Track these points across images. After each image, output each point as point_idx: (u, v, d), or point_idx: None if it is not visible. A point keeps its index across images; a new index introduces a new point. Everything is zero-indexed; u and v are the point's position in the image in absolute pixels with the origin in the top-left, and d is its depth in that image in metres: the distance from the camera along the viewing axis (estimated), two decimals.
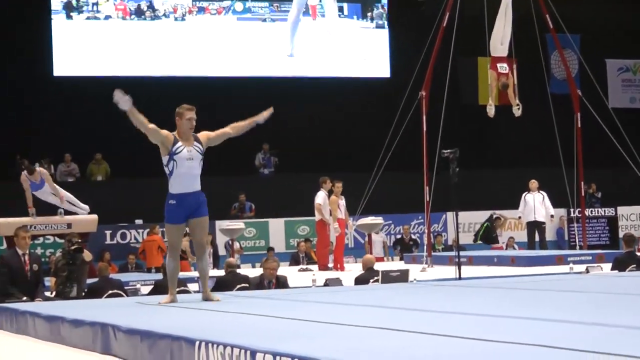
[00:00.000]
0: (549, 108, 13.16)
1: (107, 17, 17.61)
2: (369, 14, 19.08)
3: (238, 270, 9.51)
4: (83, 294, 8.45)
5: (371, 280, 8.76)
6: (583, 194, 13.79)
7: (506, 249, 15.62)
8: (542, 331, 4.03)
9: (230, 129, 6.50)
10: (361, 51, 18.95)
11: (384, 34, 19.20)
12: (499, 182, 17.57)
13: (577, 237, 14.01)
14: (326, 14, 18.63)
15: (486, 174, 18.12)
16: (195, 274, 12.41)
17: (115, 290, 8.26)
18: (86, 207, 11.31)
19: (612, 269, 9.79)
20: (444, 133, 11.97)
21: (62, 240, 10.26)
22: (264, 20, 18.57)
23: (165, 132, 6.20)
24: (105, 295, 8.07)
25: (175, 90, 14.62)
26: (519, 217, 14.98)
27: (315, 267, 12.82)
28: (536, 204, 14.36)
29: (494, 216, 16.03)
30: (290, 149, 17.90)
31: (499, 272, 10.63)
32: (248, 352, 3.72)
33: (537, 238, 14.55)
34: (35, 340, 5.90)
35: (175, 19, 18.02)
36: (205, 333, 4.30)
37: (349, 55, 18.80)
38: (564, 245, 16.77)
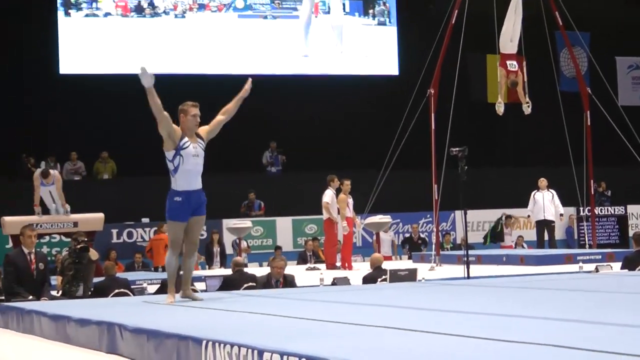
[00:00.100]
0: (558, 106, 13.09)
1: (106, 14, 17.55)
2: (370, 11, 18.99)
3: (245, 269, 9.48)
4: (89, 293, 8.43)
5: (379, 279, 8.73)
6: (593, 193, 13.73)
7: (515, 247, 15.56)
8: (552, 331, 4.01)
9: (223, 115, 6.45)
10: (369, 49, 18.88)
11: (392, 31, 19.12)
12: (508, 181, 17.51)
13: (586, 236, 13.95)
14: (331, 11, 18.56)
15: (495, 172, 18.06)
16: (202, 272, 12.45)
17: (122, 289, 8.25)
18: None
19: (622, 268, 9.74)
20: (452, 131, 11.92)
21: (69, 239, 10.25)
22: (265, 17, 18.47)
23: (174, 125, 6.17)
24: (111, 295, 8.06)
25: (175, 89, 14.53)
26: (528, 216, 14.93)
27: (322, 266, 12.78)
28: (545, 203, 14.31)
29: (505, 215, 15.96)
30: (297, 147, 17.87)
31: (507, 271, 10.59)
32: (255, 352, 3.70)
33: (546, 237, 14.48)
34: (41, 340, 5.89)
35: (176, 16, 17.94)
36: (212, 332, 4.29)
37: (355, 53, 18.72)
38: (573, 244, 16.71)
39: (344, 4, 18.70)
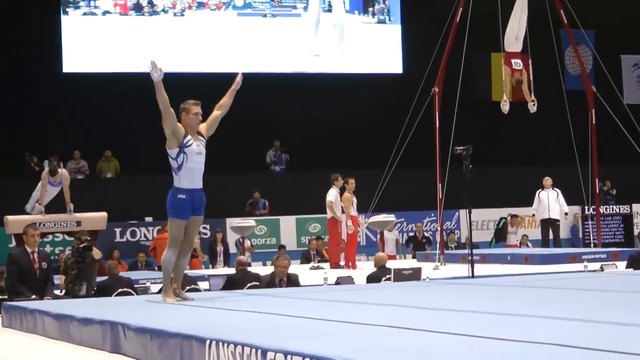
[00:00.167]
0: (563, 104, 13.04)
1: (105, 13, 17.50)
2: (370, 9, 18.93)
3: (249, 269, 9.47)
4: (92, 292, 8.41)
5: (383, 279, 8.71)
6: (597, 191, 13.68)
7: (520, 246, 15.53)
8: (556, 330, 4.00)
9: (219, 110, 6.45)
10: (372, 47, 18.83)
11: (396, 29, 19.07)
12: (513, 179, 17.47)
13: (591, 235, 13.92)
14: (333, 9, 18.50)
15: (500, 171, 18.02)
16: (205, 271, 12.44)
17: (125, 289, 8.22)
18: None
19: (627, 267, 9.73)
20: (457, 129, 11.87)
21: (72, 238, 10.23)
22: (265, 15, 18.41)
23: (178, 123, 6.18)
24: (114, 294, 8.04)
25: (174, 87, 14.43)
26: (533, 215, 14.89)
27: (326, 265, 12.75)
28: (550, 202, 14.26)
29: (511, 214, 15.91)
30: (301, 145, 17.84)
31: (512, 270, 10.56)
32: (259, 351, 3.70)
33: (551, 236, 14.44)
34: (44, 339, 5.88)
35: (175, 14, 17.88)
36: (215, 332, 4.28)
37: (359, 51, 18.66)
38: (578, 243, 16.68)
39: (344, 2, 18.64)
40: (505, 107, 11.73)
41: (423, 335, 3.99)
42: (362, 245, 15.39)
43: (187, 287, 8.03)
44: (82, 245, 8.47)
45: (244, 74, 6.57)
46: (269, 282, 8.28)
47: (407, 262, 13.33)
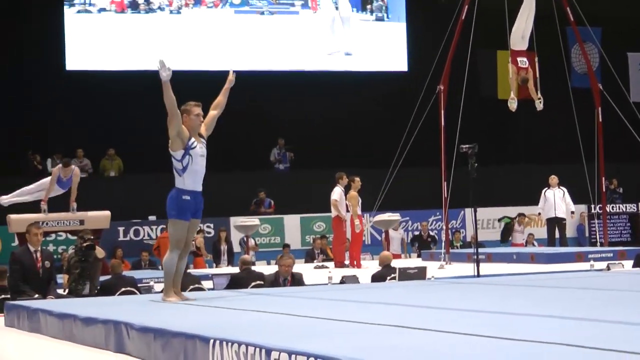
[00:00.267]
0: (569, 102, 12.98)
1: (100, 10, 17.44)
2: (368, 6, 18.86)
3: (253, 268, 9.43)
4: (96, 291, 8.39)
5: (388, 278, 8.68)
6: (604, 190, 13.63)
7: (526, 245, 15.47)
8: (562, 329, 3.99)
9: (215, 110, 6.45)
10: (378, 45, 18.76)
11: (401, 27, 19.00)
12: (519, 178, 17.41)
13: (597, 234, 13.86)
14: (339, 4, 18.42)
15: (505, 170, 17.96)
16: (209, 270, 12.41)
17: (128, 288, 8.21)
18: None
19: (634, 266, 9.69)
20: (462, 128, 11.82)
21: (75, 237, 10.20)
22: (262, 13, 18.33)
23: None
24: (118, 293, 8.04)
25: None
26: (539, 214, 14.83)
27: (331, 264, 12.71)
28: (556, 200, 14.21)
29: (519, 213, 15.84)
30: (306, 144, 17.79)
31: (518, 269, 10.54)
32: (263, 351, 3.68)
33: (557, 235, 14.38)
34: (47, 339, 5.86)
35: (171, 12, 17.81)
36: (219, 331, 4.26)
37: (364, 49, 18.59)
38: (584, 242, 16.62)
39: None
40: (512, 105, 11.67)
41: (428, 334, 3.97)
42: (367, 244, 15.34)
43: (191, 286, 8.02)
44: (85, 244, 8.45)
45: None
46: (273, 282, 8.26)
47: (412, 261, 13.30)
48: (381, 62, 18.89)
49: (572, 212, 14.78)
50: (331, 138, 18.16)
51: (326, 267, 12.13)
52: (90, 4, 17.32)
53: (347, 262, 12.42)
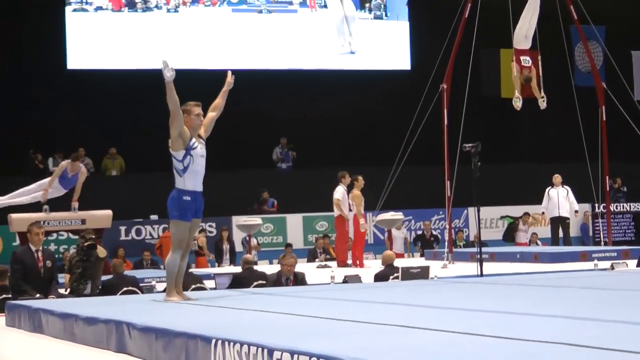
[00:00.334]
0: (573, 101, 12.95)
1: (97, 9, 17.38)
2: (367, 4, 18.82)
3: (255, 267, 9.41)
4: (97, 291, 8.36)
5: (391, 277, 8.65)
6: (608, 189, 13.59)
7: (529, 245, 15.43)
8: (566, 329, 3.97)
9: (213, 111, 6.46)
10: (380, 44, 18.72)
11: (404, 25, 18.95)
12: (522, 177, 17.37)
13: (601, 233, 13.81)
14: (344, 2, 18.36)
15: (509, 169, 17.93)
16: (211, 270, 12.39)
17: (130, 287, 8.18)
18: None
19: (638, 265, 9.69)
20: (465, 126, 11.79)
21: (76, 237, 10.17)
22: (260, 11, 18.28)
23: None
24: (119, 293, 8.02)
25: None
26: (543, 213, 14.79)
27: (333, 263, 12.68)
28: (560, 199, 14.19)
29: (524, 212, 15.79)
30: (308, 143, 17.76)
31: (521, 268, 10.52)
32: (265, 351, 3.67)
33: (561, 234, 14.34)
34: (48, 338, 5.86)
35: (168, 10, 17.76)
36: (221, 331, 4.25)
37: (366, 48, 18.55)
38: (588, 242, 16.59)
39: None
40: (517, 104, 11.64)
41: (431, 334, 3.95)
42: (370, 243, 15.32)
43: (193, 286, 7.99)
44: (86, 244, 8.42)
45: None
46: (276, 281, 8.23)
47: (415, 261, 13.28)
48: (384, 61, 18.85)
49: (576, 211, 14.75)
50: (334, 137, 18.13)
51: (329, 267, 12.10)
52: (86, 3, 17.28)
53: (349, 261, 12.39)
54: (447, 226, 12.98)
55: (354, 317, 4.65)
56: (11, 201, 10.82)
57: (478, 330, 3.90)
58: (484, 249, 10.48)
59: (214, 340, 4.05)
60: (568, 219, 14.41)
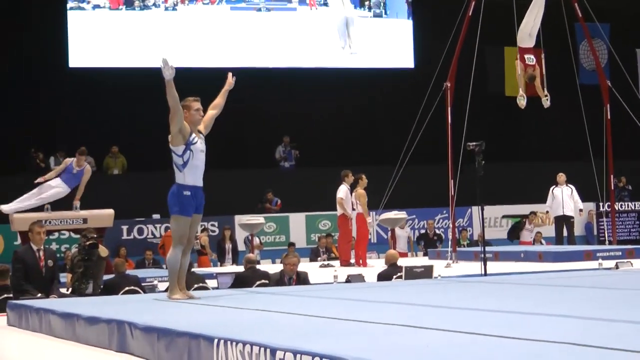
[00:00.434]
0: (577, 99, 12.90)
1: (95, 7, 17.34)
2: (366, 2, 18.76)
3: (258, 266, 9.38)
4: (99, 290, 8.34)
5: (394, 277, 8.61)
6: (613, 188, 13.54)
7: (533, 244, 15.38)
8: (570, 329, 3.95)
9: (214, 110, 6.49)
10: (384, 41, 18.67)
11: (408, 23, 18.90)
12: (526, 176, 17.33)
13: (606, 232, 13.79)
14: (344, 2, 18.32)
15: (513, 167, 17.90)
16: (214, 269, 12.36)
17: (132, 287, 8.16)
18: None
19: None
20: (469, 125, 11.74)
21: (78, 236, 10.14)
22: (259, 9, 18.23)
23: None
24: (121, 292, 7.99)
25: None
26: (547, 212, 14.75)
27: (336, 262, 12.64)
28: (564, 198, 14.15)
29: (531, 211, 15.75)
30: (311, 141, 17.72)
31: (525, 268, 10.50)
32: (268, 350, 3.65)
33: (565, 233, 14.28)
34: (50, 338, 5.84)
35: (166, 8, 17.73)
36: (224, 330, 4.23)
37: (369, 46, 18.49)
38: (592, 241, 16.56)
39: None
40: (521, 102, 11.59)
41: (434, 334, 3.93)
42: (373, 242, 15.29)
43: (195, 285, 7.96)
44: (88, 243, 8.39)
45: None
46: (278, 280, 8.21)
47: (419, 260, 13.25)
48: (388, 59, 18.80)
49: (581, 210, 14.71)
50: (337, 136, 18.09)
51: (332, 266, 12.07)
52: (82, 1, 17.24)
53: (352, 260, 12.35)
54: (451, 225, 12.95)
55: (357, 317, 4.62)
56: (20, 206, 10.74)
57: (482, 330, 3.87)
58: (487, 248, 10.42)
59: (216, 340, 4.03)
60: (572, 217, 14.37)
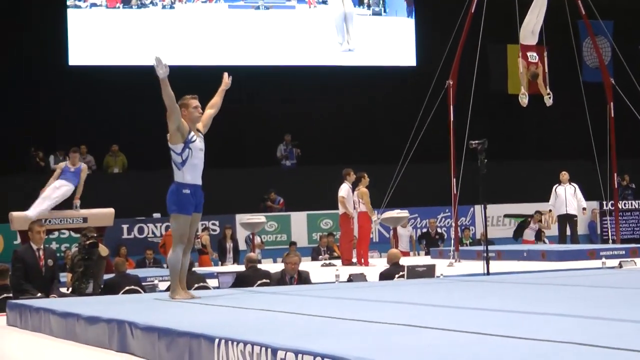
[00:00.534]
0: (580, 97, 12.85)
1: (91, 6, 17.30)
2: (365, 0, 18.70)
3: (259, 266, 9.35)
4: (99, 290, 8.31)
5: (396, 276, 8.60)
6: (616, 186, 13.51)
7: (536, 242, 15.33)
8: (573, 328, 3.93)
9: (211, 109, 6.49)
10: (386, 39, 18.63)
11: (410, 21, 18.86)
12: (529, 174, 17.29)
13: (609, 231, 13.73)
14: (344, 3, 18.27)
15: (516, 166, 17.87)
16: (214, 269, 12.32)
17: (133, 286, 8.13)
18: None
19: None
20: (471, 123, 11.71)
21: (78, 235, 10.10)
22: (257, 7, 18.19)
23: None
24: (122, 292, 7.97)
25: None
26: (550, 210, 14.70)
27: (338, 262, 12.60)
28: (568, 197, 14.11)
29: (536, 211, 15.70)
30: (312, 140, 17.68)
31: (528, 267, 10.44)
32: (269, 350, 3.63)
33: (568, 232, 14.24)
34: (49, 338, 5.82)
35: (164, 6, 17.68)
36: (225, 330, 4.22)
37: (371, 44, 18.45)
38: (596, 239, 16.52)
39: None
40: (523, 101, 11.56)
41: (437, 333, 3.90)
42: (375, 241, 15.25)
43: (196, 285, 7.93)
44: (88, 242, 8.35)
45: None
46: (280, 280, 8.19)
47: (421, 259, 13.24)
48: (390, 57, 18.75)
49: (584, 209, 14.68)
50: (338, 134, 18.05)
51: (333, 265, 12.02)
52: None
53: (354, 259, 12.31)
54: (454, 224, 12.92)
55: (358, 317, 4.60)
56: (41, 208, 10.62)
57: (485, 329, 3.86)
58: (490, 247, 10.40)
59: (217, 340, 4.01)
60: (576, 216, 14.33)
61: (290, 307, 5.32)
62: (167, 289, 7.89)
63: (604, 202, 14.46)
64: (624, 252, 11.41)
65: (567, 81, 13.85)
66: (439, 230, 16.31)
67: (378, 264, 11.57)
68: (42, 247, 8.18)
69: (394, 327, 4.18)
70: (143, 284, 8.62)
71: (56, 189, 10.65)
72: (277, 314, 5.04)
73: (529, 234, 15.83)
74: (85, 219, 10.80)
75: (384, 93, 18.32)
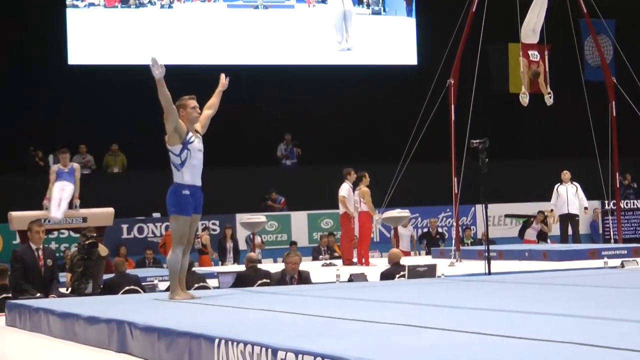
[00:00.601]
0: (582, 96, 12.83)
1: (89, 5, 17.25)
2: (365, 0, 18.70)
3: (259, 266, 9.33)
4: (99, 290, 8.29)
5: (397, 276, 8.58)
6: (618, 185, 13.47)
7: (537, 241, 15.31)
8: (576, 328, 3.92)
9: (209, 109, 6.47)
10: (387, 38, 18.60)
11: (411, 20, 18.83)
12: (531, 173, 17.27)
13: (611, 230, 13.72)
14: (344, 1, 18.24)
15: (517, 165, 17.85)
16: (215, 269, 12.31)
17: (132, 286, 8.11)
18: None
19: None
20: (473, 122, 11.69)
21: (78, 235, 10.08)
22: (257, 7, 18.15)
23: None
24: (121, 292, 7.96)
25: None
26: (551, 210, 14.68)
27: (339, 261, 12.58)
28: (569, 196, 14.09)
29: (539, 210, 15.68)
30: (313, 139, 17.65)
31: (530, 267, 10.44)
32: (269, 350, 3.62)
33: (570, 231, 14.21)
34: (49, 338, 5.81)
35: (162, 6, 17.64)
36: (225, 330, 4.21)
37: (372, 43, 18.42)
38: (598, 239, 16.51)
39: None
40: (524, 100, 11.54)
41: (438, 333, 3.90)
42: (376, 241, 15.22)
43: (196, 285, 7.92)
44: (88, 242, 8.33)
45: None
46: (280, 280, 8.17)
47: (422, 259, 13.23)
48: (391, 57, 18.73)
49: (586, 208, 14.66)
50: (339, 133, 18.02)
51: (334, 265, 12.00)
52: None
53: (355, 259, 12.28)
54: (455, 223, 12.89)
55: (359, 317, 4.59)
56: (63, 207, 10.56)
57: (486, 329, 3.85)
58: (492, 247, 10.40)
59: (217, 340, 4.00)
60: (577, 216, 14.32)
61: (291, 307, 5.30)
62: (167, 289, 7.88)
63: (606, 202, 14.42)
64: (626, 252, 11.42)
65: (568, 80, 13.83)
66: (439, 230, 16.27)
67: (379, 263, 11.56)
68: (41, 247, 8.17)
69: (394, 327, 4.17)
70: (143, 284, 8.61)
71: (62, 190, 10.64)
72: (277, 314, 5.02)
73: (530, 233, 15.80)
74: (84, 219, 10.79)
75: (385, 92, 18.30)
